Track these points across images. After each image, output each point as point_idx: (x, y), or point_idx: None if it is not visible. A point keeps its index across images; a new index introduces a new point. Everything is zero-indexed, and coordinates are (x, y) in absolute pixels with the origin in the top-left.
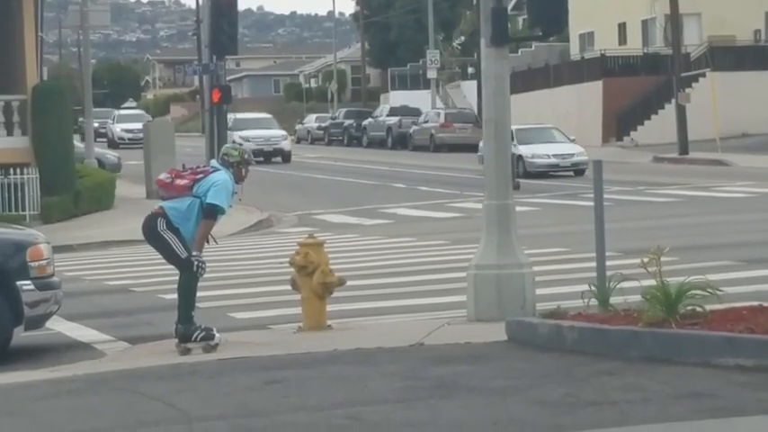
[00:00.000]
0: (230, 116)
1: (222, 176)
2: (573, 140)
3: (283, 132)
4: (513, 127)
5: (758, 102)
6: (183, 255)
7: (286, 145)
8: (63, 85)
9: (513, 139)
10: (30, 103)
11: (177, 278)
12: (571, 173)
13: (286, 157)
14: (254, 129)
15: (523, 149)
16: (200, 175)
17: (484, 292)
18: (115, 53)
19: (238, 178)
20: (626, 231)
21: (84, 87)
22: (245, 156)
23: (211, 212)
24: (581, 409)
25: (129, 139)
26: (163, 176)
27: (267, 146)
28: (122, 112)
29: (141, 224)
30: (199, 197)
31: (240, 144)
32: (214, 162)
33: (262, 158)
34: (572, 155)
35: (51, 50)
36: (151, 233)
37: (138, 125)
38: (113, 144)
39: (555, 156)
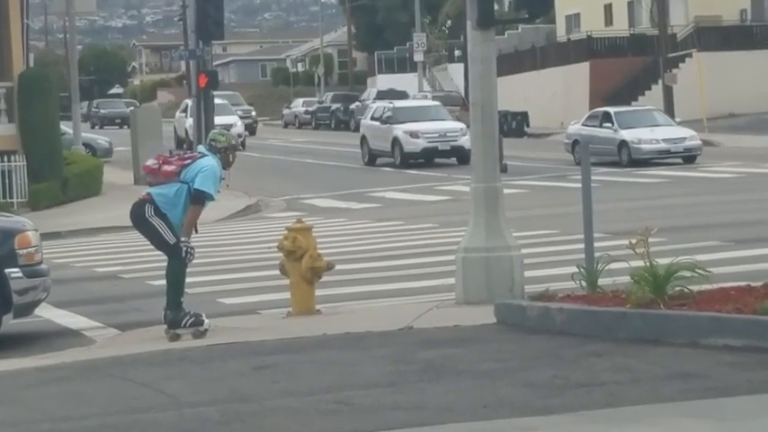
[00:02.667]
0: (384, 104)
1: (210, 162)
2: (679, 123)
3: (461, 125)
4: (611, 110)
5: (745, 82)
6: (172, 241)
7: (466, 141)
8: (49, 72)
9: (612, 123)
10: (16, 91)
11: (165, 264)
12: (680, 160)
13: (465, 157)
14: (423, 120)
15: (626, 134)
16: (188, 161)
17: (472, 275)
18: (101, 39)
19: (226, 164)
20: (614, 212)
21: (70, 74)
22: (233, 141)
23: (199, 198)
24: (570, 390)
25: None
26: (150, 162)
27: (443, 143)
28: None
29: (129, 210)
30: (187, 183)
31: (415, 136)
32: (201, 148)
33: (422, 159)
34: (683, 139)
35: (37, 37)
36: (139, 219)
37: (229, 119)
38: (181, 143)
39: (665, 140)
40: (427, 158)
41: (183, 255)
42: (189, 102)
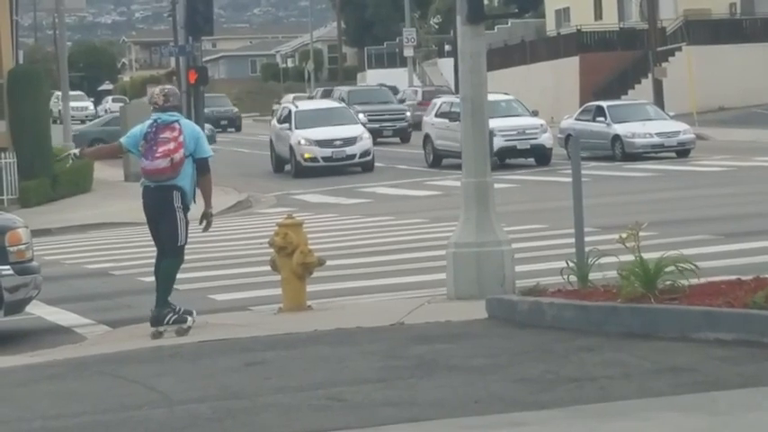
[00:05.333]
0: (451, 99)
1: (190, 125)
2: (672, 116)
3: (541, 121)
4: (605, 104)
5: (734, 75)
6: (183, 242)
7: (547, 139)
8: (39, 69)
9: (605, 117)
10: (5, 88)
11: (155, 261)
12: (673, 154)
13: (545, 157)
14: (497, 116)
15: (619, 128)
16: (179, 136)
17: (463, 270)
18: (91, 35)
19: None
20: (604, 207)
21: (60, 70)
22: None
23: (208, 165)
24: (561, 385)
25: (324, 159)
26: (159, 165)
27: (522, 141)
28: (303, 106)
29: (148, 193)
30: (189, 154)
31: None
32: (164, 116)
33: (498, 160)
34: (677, 132)
35: (26, 34)
36: (164, 205)
37: (347, 130)
38: (281, 165)
39: (659, 134)
40: (503, 158)
41: (183, 259)
42: (292, 107)
